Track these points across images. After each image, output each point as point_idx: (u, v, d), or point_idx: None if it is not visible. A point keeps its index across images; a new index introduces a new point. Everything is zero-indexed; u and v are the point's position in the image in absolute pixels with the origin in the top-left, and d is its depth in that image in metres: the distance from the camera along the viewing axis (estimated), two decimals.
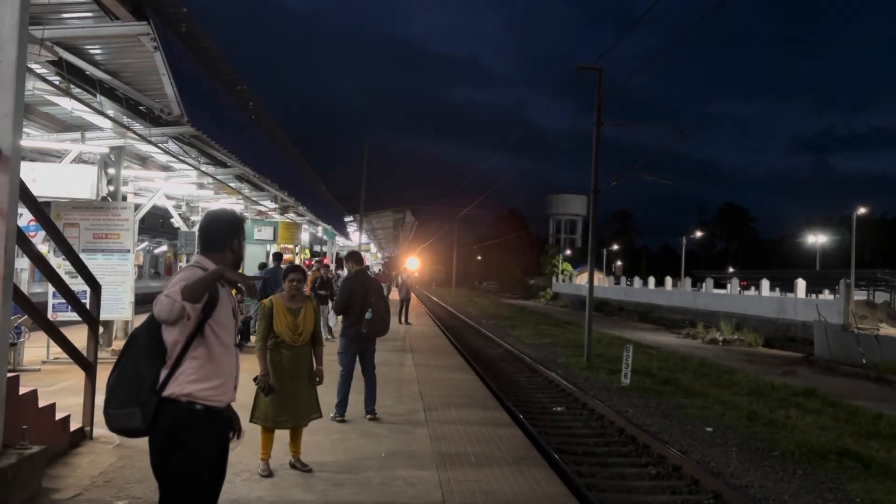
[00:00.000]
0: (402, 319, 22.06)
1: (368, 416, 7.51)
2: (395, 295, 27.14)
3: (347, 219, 33.66)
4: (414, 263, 62.67)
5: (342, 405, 7.42)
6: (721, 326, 32.47)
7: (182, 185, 14.69)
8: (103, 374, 8.04)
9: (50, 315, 9.48)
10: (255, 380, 5.29)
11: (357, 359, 7.58)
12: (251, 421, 5.25)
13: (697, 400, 13.41)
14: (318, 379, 5.49)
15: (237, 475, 5.26)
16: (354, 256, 7.97)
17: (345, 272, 8.48)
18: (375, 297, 7.42)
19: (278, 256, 14.67)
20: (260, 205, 18.03)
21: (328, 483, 5.21)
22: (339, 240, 33.18)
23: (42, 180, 9.76)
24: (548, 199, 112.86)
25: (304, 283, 5.61)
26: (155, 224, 43.66)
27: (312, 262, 20.67)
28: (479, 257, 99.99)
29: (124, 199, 11.34)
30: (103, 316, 8.39)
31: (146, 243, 44.87)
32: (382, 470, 5.64)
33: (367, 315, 7.34)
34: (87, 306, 6.25)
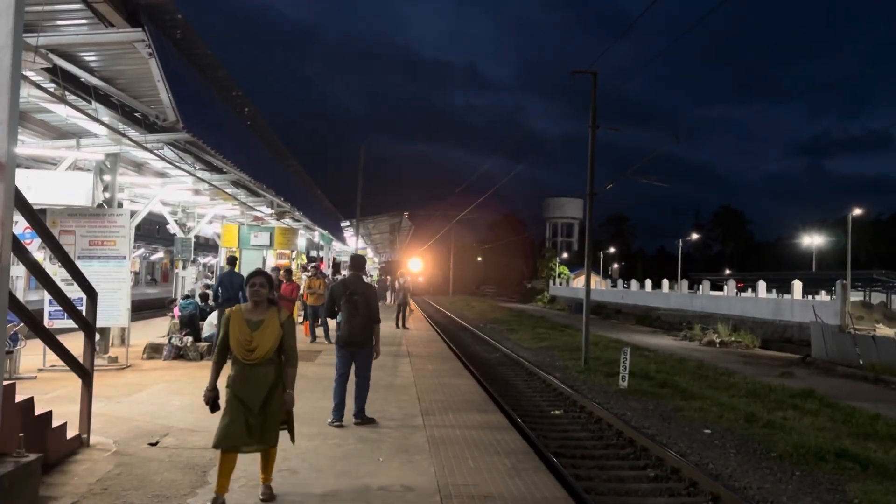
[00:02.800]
0: (400, 324, 22.05)
1: (355, 422, 7.47)
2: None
3: (344, 224, 33.65)
4: (417, 265, 62.17)
5: (337, 409, 7.44)
6: (718, 328, 32.53)
7: (178, 192, 14.68)
8: (100, 382, 8.04)
9: (46, 322, 9.46)
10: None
11: (353, 363, 7.60)
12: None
13: (695, 402, 13.42)
14: (285, 405, 4.73)
15: (234, 481, 5.24)
16: (352, 260, 8.04)
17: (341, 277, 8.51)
18: (344, 301, 7.41)
19: (232, 261, 13.36)
20: (256, 210, 18.02)
21: (326, 488, 5.20)
22: (336, 245, 33.17)
23: (37, 187, 9.76)
24: (545, 202, 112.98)
25: (268, 288, 4.73)
26: (151, 231, 43.64)
27: (308, 268, 20.67)
28: (478, 260, 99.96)
29: (120, 205, 11.34)
30: (99, 323, 8.37)
31: (142, 250, 44.82)
32: (380, 475, 5.63)
33: (337, 318, 7.46)
34: (84, 313, 6.24)
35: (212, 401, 4.67)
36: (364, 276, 7.88)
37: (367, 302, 7.48)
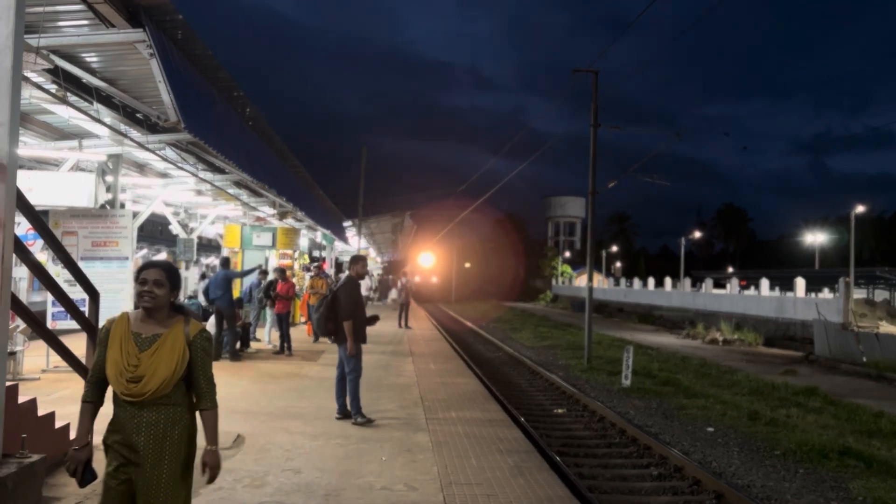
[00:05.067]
0: (402, 323, 22.05)
1: (351, 422, 7.56)
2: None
3: (346, 223, 33.65)
4: (429, 261, 61.29)
5: (337, 405, 7.80)
6: (721, 326, 32.48)
7: (180, 192, 14.70)
8: None
9: (49, 324, 9.47)
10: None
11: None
12: None
13: (698, 400, 13.41)
14: (204, 471, 3.05)
15: (238, 481, 5.25)
16: (352, 260, 8.22)
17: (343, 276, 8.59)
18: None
19: (225, 262, 13.16)
20: (258, 211, 18.02)
21: (330, 488, 5.20)
22: (339, 245, 33.16)
23: (40, 189, 9.77)
24: (546, 201, 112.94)
25: (169, 288, 3.00)
26: (154, 231, 43.66)
27: (311, 268, 20.67)
28: (480, 260, 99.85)
29: (122, 206, 11.35)
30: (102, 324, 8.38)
31: (145, 250, 44.85)
32: (383, 474, 5.64)
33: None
34: (86, 314, 6.25)
35: (81, 465, 2.90)
36: (351, 273, 7.90)
37: (334, 298, 7.63)
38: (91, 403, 2.98)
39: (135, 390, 2.83)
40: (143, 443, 2.84)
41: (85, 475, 2.91)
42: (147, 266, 3.03)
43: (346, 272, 8.03)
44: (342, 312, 7.53)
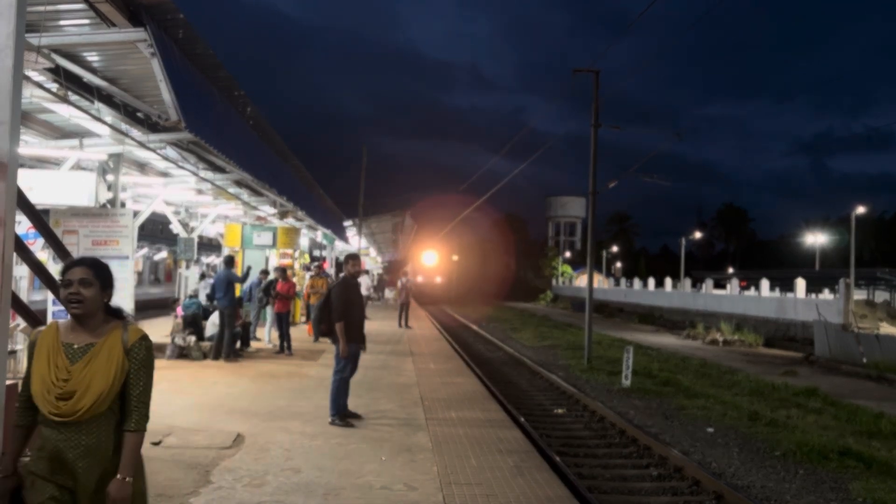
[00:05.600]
0: (402, 323, 22.05)
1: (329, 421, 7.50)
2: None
3: (346, 223, 33.66)
4: (429, 260, 60.91)
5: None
6: (721, 327, 32.48)
7: (181, 191, 14.69)
8: None
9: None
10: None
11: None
12: None
13: (698, 401, 13.41)
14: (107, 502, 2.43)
15: (237, 480, 5.26)
16: (344, 260, 8.28)
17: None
18: None
19: (229, 261, 13.09)
20: (259, 210, 18.03)
21: (329, 487, 5.21)
22: (339, 244, 33.19)
23: (40, 188, 9.77)
24: (547, 201, 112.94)
25: (100, 288, 2.73)
26: (154, 230, 43.64)
27: (311, 267, 20.68)
28: (480, 259, 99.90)
29: (123, 205, 11.35)
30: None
31: (146, 250, 44.87)
32: (383, 474, 5.64)
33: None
34: None
35: (8, 494, 2.54)
36: (344, 273, 7.90)
37: (327, 299, 7.63)
38: (21, 427, 2.58)
39: (65, 409, 2.42)
40: (80, 471, 2.43)
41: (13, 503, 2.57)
42: (71, 265, 2.63)
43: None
44: (333, 314, 7.45)
